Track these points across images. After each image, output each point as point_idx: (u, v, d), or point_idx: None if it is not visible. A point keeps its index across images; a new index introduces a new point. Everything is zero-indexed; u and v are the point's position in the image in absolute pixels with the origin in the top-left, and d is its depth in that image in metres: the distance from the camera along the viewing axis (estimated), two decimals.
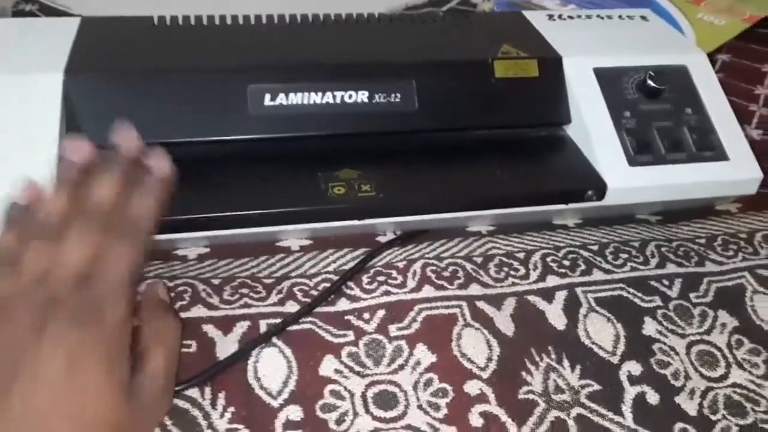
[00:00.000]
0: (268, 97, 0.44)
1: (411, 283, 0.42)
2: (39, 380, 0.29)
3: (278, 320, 0.39)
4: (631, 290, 0.43)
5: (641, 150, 0.46)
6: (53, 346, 0.29)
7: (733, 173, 0.47)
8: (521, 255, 0.45)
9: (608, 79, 0.49)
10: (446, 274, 0.43)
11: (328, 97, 0.45)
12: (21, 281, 0.31)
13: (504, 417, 0.36)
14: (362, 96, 0.45)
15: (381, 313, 0.40)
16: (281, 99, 0.44)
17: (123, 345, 0.31)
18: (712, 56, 0.53)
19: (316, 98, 0.45)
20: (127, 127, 0.37)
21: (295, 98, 0.44)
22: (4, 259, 0.32)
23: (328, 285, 0.41)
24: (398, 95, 0.46)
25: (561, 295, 0.43)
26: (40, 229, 0.32)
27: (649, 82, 0.48)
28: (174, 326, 0.36)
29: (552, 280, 0.43)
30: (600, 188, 0.44)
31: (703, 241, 0.48)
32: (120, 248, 0.32)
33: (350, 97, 0.45)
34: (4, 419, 0.28)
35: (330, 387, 0.36)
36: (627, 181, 0.45)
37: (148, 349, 0.34)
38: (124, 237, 0.33)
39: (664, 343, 0.41)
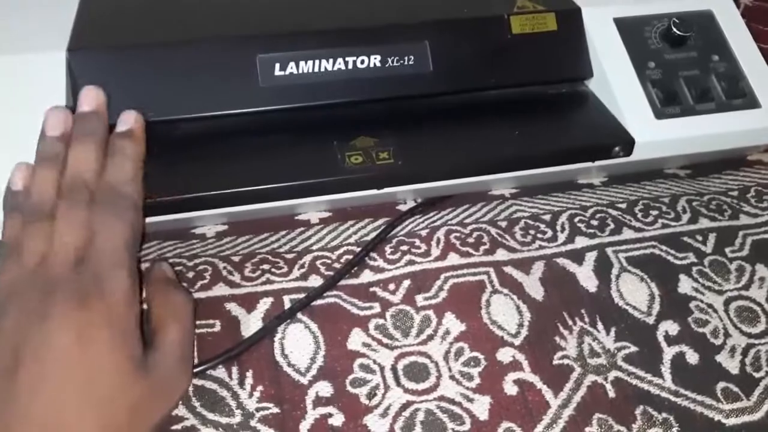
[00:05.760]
0: (278, 66, 0.42)
1: (435, 251, 0.41)
2: (47, 359, 0.28)
3: (302, 295, 0.38)
4: (664, 248, 0.42)
5: (668, 101, 0.44)
6: (59, 325, 0.29)
7: (766, 120, 0.45)
8: (547, 217, 0.44)
9: (630, 29, 0.47)
10: (471, 240, 0.42)
11: (340, 64, 0.43)
12: (24, 268, 0.31)
13: (539, 384, 0.35)
14: (374, 60, 0.44)
15: (406, 283, 0.39)
16: (291, 68, 0.42)
17: (130, 319, 0.31)
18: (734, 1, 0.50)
19: (327, 65, 0.43)
20: (92, 89, 0.37)
21: (306, 66, 0.43)
22: (11, 248, 0.32)
23: (350, 257, 0.40)
24: (412, 58, 0.44)
25: (591, 257, 0.41)
26: (34, 211, 0.33)
27: (674, 29, 0.46)
28: (185, 301, 0.35)
29: (581, 241, 0.42)
30: (627, 143, 0.43)
31: (735, 193, 0.46)
32: (109, 222, 0.32)
33: (362, 62, 0.44)
34: (14, 400, 0.28)
35: (359, 361, 0.36)
36: (654, 135, 0.43)
37: (160, 325, 0.33)
38: (111, 208, 0.33)
39: (701, 301, 0.39)
